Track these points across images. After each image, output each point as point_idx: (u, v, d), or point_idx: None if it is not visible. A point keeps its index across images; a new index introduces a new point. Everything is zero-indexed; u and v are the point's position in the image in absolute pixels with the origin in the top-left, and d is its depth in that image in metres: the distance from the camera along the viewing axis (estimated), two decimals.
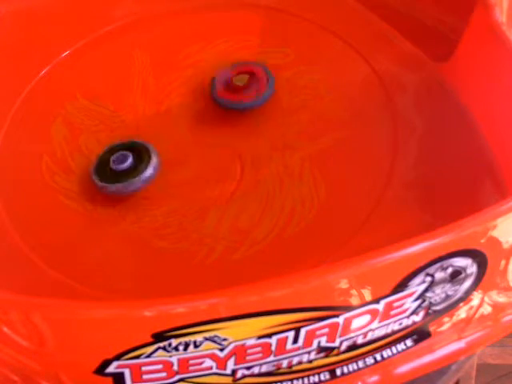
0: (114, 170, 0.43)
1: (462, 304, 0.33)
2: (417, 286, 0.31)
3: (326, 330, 0.31)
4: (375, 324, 0.32)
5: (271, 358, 0.31)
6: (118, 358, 0.30)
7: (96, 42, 0.52)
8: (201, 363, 0.31)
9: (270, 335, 0.30)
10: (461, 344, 0.35)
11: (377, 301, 0.31)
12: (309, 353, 0.32)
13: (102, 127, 0.47)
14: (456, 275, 0.31)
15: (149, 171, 0.43)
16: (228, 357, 0.31)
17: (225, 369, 0.31)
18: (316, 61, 0.49)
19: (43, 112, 0.48)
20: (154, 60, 0.51)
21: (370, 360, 0.34)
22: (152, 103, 0.48)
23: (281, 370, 0.32)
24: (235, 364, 0.31)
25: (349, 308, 0.30)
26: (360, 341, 0.32)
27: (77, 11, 0.52)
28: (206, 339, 0.29)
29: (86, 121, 0.47)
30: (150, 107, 0.48)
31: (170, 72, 0.50)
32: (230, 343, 0.30)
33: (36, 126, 0.47)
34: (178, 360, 0.30)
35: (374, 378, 0.34)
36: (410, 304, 0.32)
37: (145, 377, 0.31)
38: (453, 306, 0.33)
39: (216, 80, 0.47)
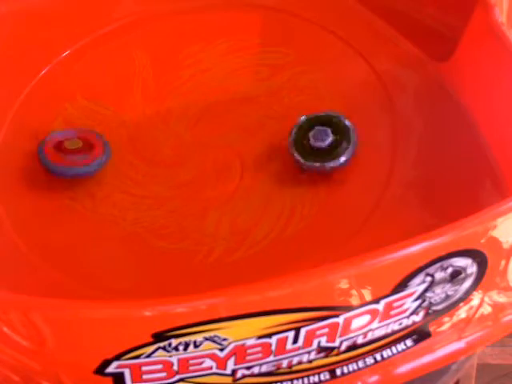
0: (313, 147, 0.42)
1: (462, 304, 0.33)
2: (417, 285, 0.31)
3: (325, 330, 0.31)
4: (375, 324, 0.32)
5: (271, 357, 0.31)
6: (118, 357, 0.30)
7: (96, 42, 0.51)
8: (201, 363, 0.31)
9: (269, 335, 0.30)
10: (461, 344, 0.35)
11: (377, 301, 0.31)
12: (309, 353, 0.32)
13: (101, 127, 0.47)
14: (456, 275, 0.31)
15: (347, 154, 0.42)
16: (228, 357, 0.31)
17: (225, 369, 0.31)
18: (316, 61, 0.50)
19: (43, 112, 0.48)
20: (154, 60, 0.51)
21: (370, 360, 0.34)
22: (152, 103, 0.48)
23: (281, 370, 0.32)
24: (235, 364, 0.31)
25: (349, 308, 0.30)
26: (360, 341, 0.32)
27: (77, 11, 0.52)
28: (206, 339, 0.29)
29: (86, 121, 0.47)
30: (149, 107, 0.48)
31: (169, 72, 0.50)
32: (230, 343, 0.30)
33: (36, 125, 0.47)
34: (178, 360, 0.30)
35: (374, 378, 0.34)
36: (410, 304, 0.32)
37: (145, 377, 0.31)
38: (453, 306, 0.33)
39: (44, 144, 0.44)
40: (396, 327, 0.32)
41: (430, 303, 0.32)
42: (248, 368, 0.31)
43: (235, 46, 0.51)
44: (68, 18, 0.52)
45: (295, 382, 0.33)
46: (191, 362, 0.30)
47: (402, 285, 0.30)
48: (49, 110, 0.48)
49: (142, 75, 0.50)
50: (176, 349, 0.30)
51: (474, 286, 0.33)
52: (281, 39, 0.51)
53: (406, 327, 0.33)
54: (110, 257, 0.41)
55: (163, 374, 0.31)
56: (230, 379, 0.32)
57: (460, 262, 0.31)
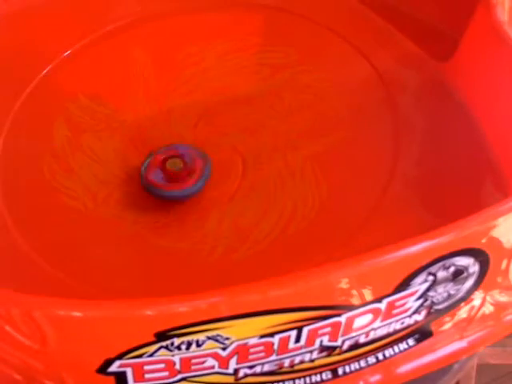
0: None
1: (463, 303, 0.33)
2: (419, 285, 0.31)
3: (328, 329, 0.31)
4: (377, 323, 0.32)
5: (273, 357, 0.31)
6: (120, 357, 0.30)
7: (96, 41, 0.52)
8: (203, 362, 0.31)
9: (272, 334, 0.30)
10: (462, 343, 0.35)
11: (379, 300, 0.31)
12: (311, 352, 0.32)
13: (103, 126, 0.47)
14: (458, 274, 0.31)
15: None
16: (230, 356, 0.31)
17: (227, 368, 0.31)
18: (317, 60, 0.50)
19: (44, 112, 0.48)
20: (155, 60, 0.51)
21: (371, 359, 0.33)
22: (153, 103, 0.48)
23: (283, 370, 0.32)
24: (237, 363, 0.31)
25: (351, 307, 0.30)
26: (362, 340, 0.32)
27: (77, 11, 0.52)
28: (209, 338, 0.29)
29: (88, 120, 0.47)
30: (150, 107, 0.48)
31: (170, 72, 0.50)
32: (233, 342, 0.30)
33: (37, 125, 0.47)
34: (181, 359, 0.30)
35: (376, 378, 0.34)
36: (412, 303, 0.32)
37: (147, 376, 0.30)
38: (455, 306, 0.33)
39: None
40: (398, 326, 0.32)
41: (432, 302, 0.32)
42: (250, 367, 0.31)
43: (235, 46, 0.51)
44: (68, 18, 0.52)
45: (297, 381, 0.33)
46: (193, 361, 0.30)
47: (404, 284, 0.30)
48: (49, 110, 0.48)
49: (143, 75, 0.50)
50: (178, 348, 0.30)
51: (476, 285, 0.33)
52: (281, 39, 0.51)
53: (408, 326, 0.33)
54: (111, 256, 0.41)
55: (165, 374, 0.31)
56: (232, 378, 0.32)
57: (462, 261, 0.31)
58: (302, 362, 0.32)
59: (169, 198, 0.43)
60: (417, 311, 0.32)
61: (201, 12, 0.53)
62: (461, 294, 0.33)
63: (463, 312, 0.34)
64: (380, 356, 0.34)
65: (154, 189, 0.43)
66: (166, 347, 0.29)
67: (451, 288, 0.32)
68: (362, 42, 0.49)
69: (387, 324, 0.32)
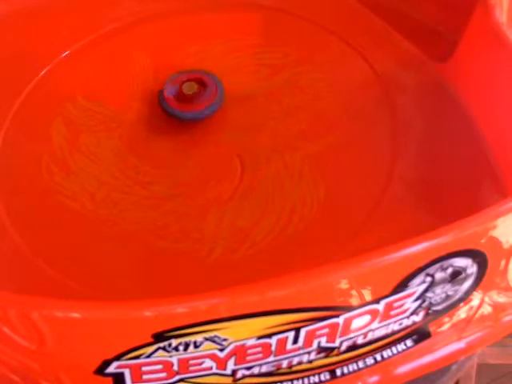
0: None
1: (462, 304, 0.33)
2: (417, 286, 0.31)
3: (326, 331, 0.31)
4: (375, 324, 0.32)
5: (271, 358, 0.31)
6: (118, 358, 0.30)
7: (96, 42, 0.51)
8: (201, 363, 0.31)
9: (270, 335, 0.30)
10: (461, 344, 0.35)
11: (377, 301, 0.31)
12: (309, 353, 0.32)
13: (101, 127, 0.47)
14: (456, 275, 0.31)
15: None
16: (228, 357, 0.31)
17: (225, 369, 0.31)
18: (316, 61, 0.50)
19: (43, 112, 0.48)
20: (154, 60, 0.51)
21: (370, 360, 0.33)
22: (152, 103, 0.48)
23: (281, 371, 0.32)
24: (235, 364, 0.31)
25: (349, 308, 0.30)
26: (360, 341, 0.32)
27: (77, 11, 0.52)
28: (206, 339, 0.29)
29: (86, 121, 0.47)
30: (149, 107, 0.48)
31: (169, 72, 0.50)
32: (230, 343, 0.30)
33: (36, 126, 0.47)
34: (178, 360, 0.30)
35: (374, 379, 0.34)
36: (410, 304, 0.32)
37: (145, 377, 0.31)
38: (453, 306, 0.33)
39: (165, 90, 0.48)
40: (396, 327, 0.32)
41: (430, 303, 0.32)
42: (248, 368, 0.31)
43: (235, 46, 0.51)
44: (68, 18, 0.52)
45: (295, 382, 0.33)
46: (191, 362, 0.30)
47: (402, 285, 0.30)
48: (49, 110, 0.48)
49: (142, 75, 0.50)
50: (176, 349, 0.30)
51: (474, 286, 0.33)
52: (281, 39, 0.51)
53: (406, 327, 0.33)
54: (110, 257, 0.41)
55: (163, 375, 0.31)
56: (230, 379, 0.32)
57: (460, 262, 0.31)
58: (300, 362, 0.32)
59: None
60: (415, 312, 0.32)
61: (200, 12, 0.53)
62: (459, 295, 0.33)
63: (461, 313, 0.34)
64: (378, 357, 0.34)
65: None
66: (164, 348, 0.29)
67: (449, 289, 0.32)
68: (361, 42, 0.49)
69: (385, 325, 0.32)
